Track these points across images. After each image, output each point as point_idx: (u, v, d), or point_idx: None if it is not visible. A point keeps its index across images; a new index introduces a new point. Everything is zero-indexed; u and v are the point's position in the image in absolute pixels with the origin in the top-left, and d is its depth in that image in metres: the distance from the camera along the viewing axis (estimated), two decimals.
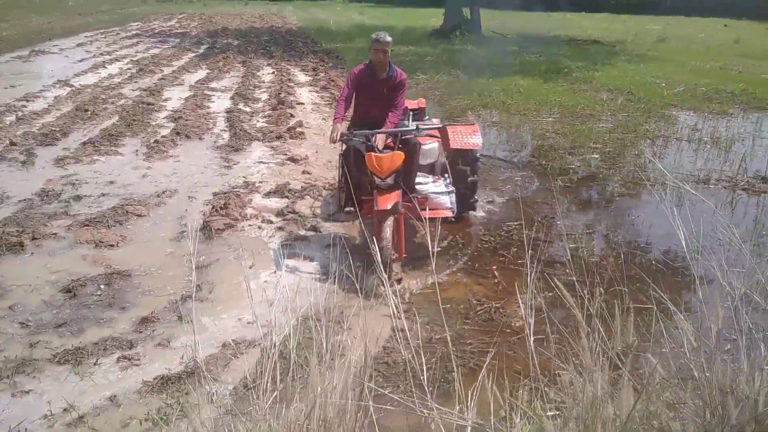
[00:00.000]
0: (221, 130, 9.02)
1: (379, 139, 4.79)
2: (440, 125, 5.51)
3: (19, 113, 9.66)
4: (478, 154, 5.82)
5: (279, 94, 11.61)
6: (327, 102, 11.36)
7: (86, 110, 9.90)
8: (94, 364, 3.57)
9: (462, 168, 5.61)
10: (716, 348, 1.72)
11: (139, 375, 3.47)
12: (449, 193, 5.46)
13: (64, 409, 3.16)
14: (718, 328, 1.71)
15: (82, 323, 4.00)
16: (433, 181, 5.69)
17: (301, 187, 6.57)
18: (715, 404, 1.72)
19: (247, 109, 10.51)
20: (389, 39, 4.92)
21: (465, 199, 5.67)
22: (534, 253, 5.22)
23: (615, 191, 6.99)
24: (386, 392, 1.86)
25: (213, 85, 12.80)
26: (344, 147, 4.97)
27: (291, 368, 1.97)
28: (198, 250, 5.03)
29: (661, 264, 5.03)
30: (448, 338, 2.00)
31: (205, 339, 3.81)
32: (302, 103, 11.11)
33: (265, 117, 9.97)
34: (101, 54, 17.16)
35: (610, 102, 11.94)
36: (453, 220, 5.51)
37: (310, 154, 7.90)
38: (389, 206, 4.43)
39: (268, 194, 6.39)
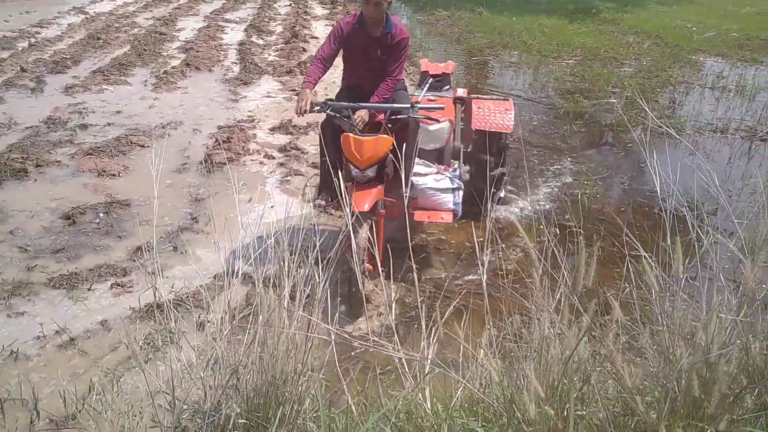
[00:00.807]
0: (232, 63, 8.91)
1: (362, 116, 3.61)
2: (441, 106, 3.84)
3: (32, 39, 9.62)
4: (508, 139, 4.71)
5: (294, 27, 11.36)
6: None
7: (98, 38, 9.82)
8: (88, 290, 3.66)
9: (483, 157, 4.39)
10: (676, 294, 1.69)
11: (131, 301, 3.55)
12: (454, 190, 4.09)
13: (56, 332, 3.26)
14: (680, 274, 1.67)
15: (79, 250, 4.08)
16: (437, 173, 4.19)
17: (306, 123, 6.50)
18: (671, 350, 1.71)
19: (260, 42, 10.33)
20: None
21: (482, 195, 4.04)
22: (534, 196, 5.16)
23: (628, 137, 6.81)
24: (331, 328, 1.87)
25: (228, 16, 12.56)
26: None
27: (259, 300, 1.97)
28: (198, 182, 5.06)
29: (659, 211, 4.94)
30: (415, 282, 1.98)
31: (198, 270, 3.87)
32: (317, 37, 10.87)
33: (277, 50, 9.80)
34: None
35: (635, 45, 11.48)
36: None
37: (319, 89, 7.77)
38: (367, 207, 3.35)
39: (272, 130, 6.34)
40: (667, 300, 1.81)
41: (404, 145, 3.48)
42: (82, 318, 3.42)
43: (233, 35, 10.77)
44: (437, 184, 4.08)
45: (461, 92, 5.15)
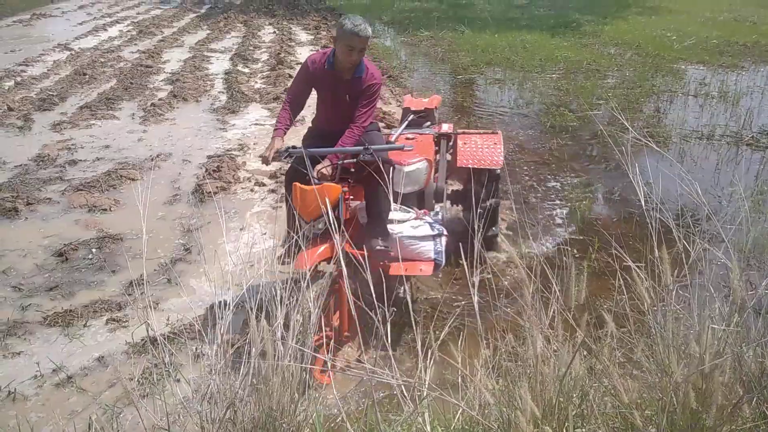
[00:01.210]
0: (219, 92, 8.95)
1: (324, 170, 3.26)
2: (401, 146, 3.38)
3: (18, 78, 9.64)
4: (498, 171, 4.32)
5: (279, 54, 11.45)
6: None
7: (84, 74, 9.86)
8: (84, 326, 3.64)
9: (476, 189, 4.12)
10: (667, 305, 1.70)
11: (126, 336, 3.53)
12: (435, 237, 3.61)
13: (53, 370, 3.24)
14: (669, 285, 1.69)
15: (72, 286, 4.06)
16: (416, 218, 3.74)
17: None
18: (666, 362, 1.72)
19: (246, 70, 10.40)
20: (370, 32, 3.29)
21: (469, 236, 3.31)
22: (533, 211, 5.18)
23: (614, 149, 6.86)
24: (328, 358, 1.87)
25: (213, 46, 12.66)
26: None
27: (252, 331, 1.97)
28: (189, 213, 5.05)
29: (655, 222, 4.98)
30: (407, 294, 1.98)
31: (191, 301, 3.86)
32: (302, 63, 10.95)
33: (263, 78, 9.87)
34: (102, 16, 16.99)
35: (617, 57, 11.66)
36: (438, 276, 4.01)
37: (307, 115, 7.82)
38: (308, 266, 2.82)
39: (262, 157, 6.34)
40: (659, 311, 1.83)
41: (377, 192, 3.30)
42: (78, 355, 3.39)
43: (219, 65, 10.84)
44: (415, 231, 3.61)
45: (446, 128, 4.78)
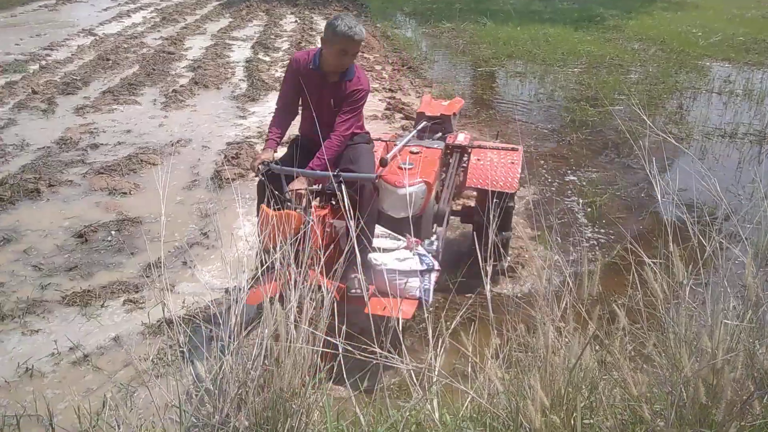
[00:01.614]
0: (239, 80, 9.00)
1: (296, 192, 2.96)
2: (372, 176, 3.05)
3: (43, 62, 9.78)
4: (513, 199, 3.92)
5: (300, 43, 11.48)
6: None
7: (108, 59, 9.97)
8: (101, 307, 3.71)
9: (481, 216, 3.54)
10: (681, 300, 1.69)
11: (143, 317, 3.58)
12: (424, 273, 3.17)
13: (70, 348, 3.30)
14: (682, 280, 1.68)
15: (91, 267, 4.13)
16: (405, 248, 3.27)
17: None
18: (677, 357, 1.71)
19: (267, 59, 10.44)
20: (363, 35, 3.06)
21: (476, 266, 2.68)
22: (550, 205, 5.16)
23: (634, 144, 6.79)
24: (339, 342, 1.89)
25: (234, 34, 12.71)
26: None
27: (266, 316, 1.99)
28: (207, 198, 5.11)
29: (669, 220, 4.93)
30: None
31: (207, 284, 3.90)
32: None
33: (284, 67, 9.87)
34: (126, 2, 17.10)
35: (641, 52, 11.50)
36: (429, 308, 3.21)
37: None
38: (255, 306, 2.70)
39: (281, 144, 6.38)
40: (672, 307, 1.82)
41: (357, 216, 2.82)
42: (95, 334, 3.46)
43: (240, 53, 10.89)
44: (401, 264, 3.14)
45: (462, 138, 4.27)
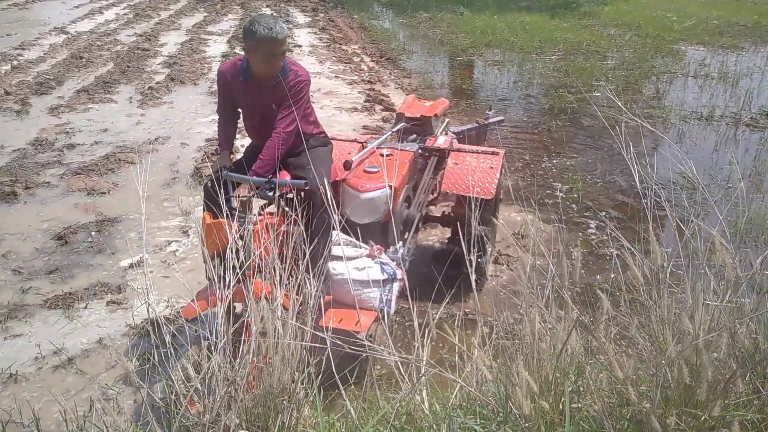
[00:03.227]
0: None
1: (240, 198, 2.88)
2: (301, 182, 2.84)
3: (15, 62, 9.59)
4: (494, 207, 3.83)
5: None
6: (325, 44, 11.13)
7: (81, 57, 9.81)
8: (84, 309, 3.66)
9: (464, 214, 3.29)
10: (662, 283, 1.72)
11: (127, 318, 3.55)
12: (385, 282, 2.95)
13: (54, 352, 3.25)
14: (662, 263, 1.70)
15: (72, 269, 4.08)
16: (368, 256, 3.05)
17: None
18: (660, 339, 1.74)
19: (243, 53, 10.33)
20: (285, 32, 2.83)
21: (455, 271, 2.86)
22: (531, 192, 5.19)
23: (613, 130, 6.85)
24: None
25: (210, 28, 12.57)
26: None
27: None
28: (188, 195, 5.06)
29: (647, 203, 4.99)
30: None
31: (189, 282, 3.87)
32: (300, 45, 10.90)
33: None
34: None
35: (617, 38, 11.59)
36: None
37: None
38: (190, 316, 2.55)
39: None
40: (654, 289, 1.84)
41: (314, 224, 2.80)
42: (78, 337, 3.41)
43: (216, 48, 10.78)
44: (360, 274, 2.92)
45: (443, 141, 4.01)
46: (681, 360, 1.54)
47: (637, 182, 1.85)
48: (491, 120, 4.78)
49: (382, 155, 3.58)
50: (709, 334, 1.56)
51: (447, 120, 4.59)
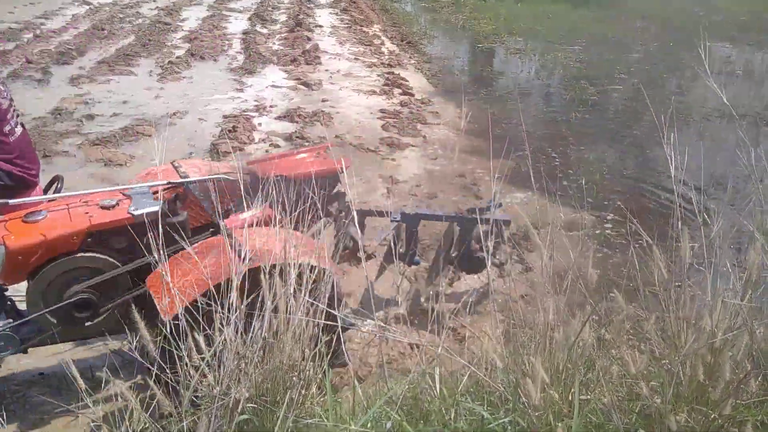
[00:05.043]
0: (236, 52, 8.90)
1: None
2: None
3: (37, 31, 9.63)
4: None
5: (298, 15, 11.32)
6: (347, 25, 11.06)
7: (103, 29, 9.82)
8: None
9: None
10: (683, 280, 1.69)
11: None
12: None
13: None
14: (687, 260, 1.68)
15: None
16: None
17: (312, 112, 6.50)
18: (676, 336, 1.72)
19: (264, 31, 10.30)
20: None
21: None
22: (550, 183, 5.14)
23: (634, 124, 6.77)
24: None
25: (231, 5, 12.53)
26: None
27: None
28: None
29: (666, 199, 4.94)
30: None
31: None
32: (321, 26, 10.84)
33: (281, 39, 9.77)
34: None
35: (642, 31, 11.40)
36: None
37: (324, 78, 7.78)
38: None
39: (278, 118, 6.35)
40: (673, 286, 1.82)
41: None
42: None
43: (237, 24, 10.75)
44: None
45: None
46: (697, 357, 1.53)
47: (673, 174, 1.82)
48: (493, 216, 3.23)
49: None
50: (727, 333, 1.55)
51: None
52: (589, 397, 1.75)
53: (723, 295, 1.61)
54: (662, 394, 1.65)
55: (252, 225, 2.54)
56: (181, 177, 2.65)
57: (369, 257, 3.54)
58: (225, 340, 1.77)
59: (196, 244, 2.32)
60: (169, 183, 2.57)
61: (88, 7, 11.64)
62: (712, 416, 1.61)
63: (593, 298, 1.87)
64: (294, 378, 1.83)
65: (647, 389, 1.66)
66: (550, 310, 1.58)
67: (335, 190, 3.10)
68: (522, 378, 1.56)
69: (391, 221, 3.30)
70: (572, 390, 1.65)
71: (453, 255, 3.23)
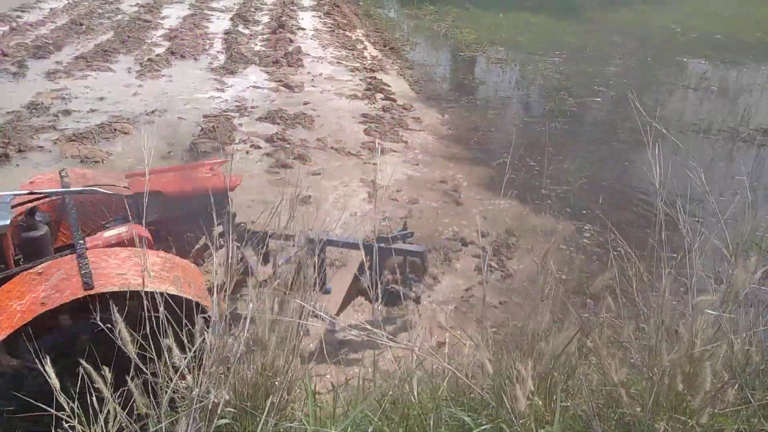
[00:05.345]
0: (217, 52, 8.82)
1: None
2: None
3: (14, 24, 9.45)
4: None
5: (280, 17, 11.28)
6: (329, 29, 11.05)
7: (81, 24, 9.67)
8: None
9: None
10: (662, 290, 1.72)
11: None
12: None
13: None
14: (669, 271, 1.71)
15: None
16: None
17: (294, 114, 6.47)
18: (656, 345, 1.74)
19: (246, 32, 10.24)
20: None
21: None
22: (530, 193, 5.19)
23: (612, 136, 6.88)
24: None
25: (213, 4, 12.43)
26: None
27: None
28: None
29: (644, 209, 5.02)
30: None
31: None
32: (303, 29, 10.81)
33: (263, 41, 9.72)
34: None
35: (620, 45, 11.59)
36: None
37: (306, 81, 7.75)
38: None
39: (259, 119, 6.31)
40: (653, 296, 1.85)
41: None
42: None
43: (219, 24, 10.67)
44: None
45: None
46: (676, 367, 1.55)
47: (657, 185, 1.84)
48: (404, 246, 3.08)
49: None
50: (707, 344, 1.57)
51: None
52: (569, 404, 1.76)
53: (702, 306, 1.63)
54: (642, 402, 1.67)
55: (115, 244, 2.30)
56: (63, 188, 2.46)
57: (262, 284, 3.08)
58: (207, 343, 1.74)
59: (44, 264, 2.11)
60: (31, 194, 2.36)
61: (66, 2, 11.45)
62: (690, 424, 1.64)
63: (574, 306, 1.89)
64: (276, 382, 1.81)
65: (627, 397, 1.68)
66: (540, 318, 1.59)
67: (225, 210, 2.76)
68: (509, 385, 1.57)
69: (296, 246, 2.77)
70: (554, 397, 1.66)
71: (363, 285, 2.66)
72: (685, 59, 10.79)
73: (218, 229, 2.62)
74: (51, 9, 10.74)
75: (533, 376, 1.45)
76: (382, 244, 2.66)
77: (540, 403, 1.49)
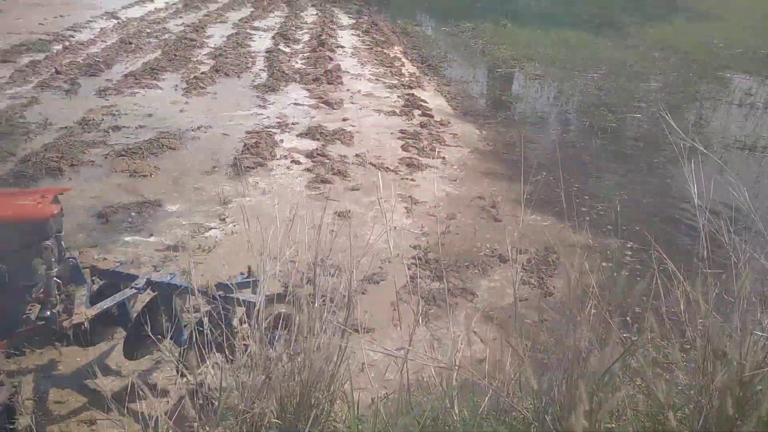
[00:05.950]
0: (260, 70, 9.03)
1: None
2: None
3: (66, 43, 9.85)
4: None
5: (320, 35, 11.49)
6: (368, 46, 11.20)
7: (130, 43, 10.02)
8: None
9: None
10: (711, 310, 1.70)
11: None
12: None
13: None
14: (716, 290, 1.69)
15: (110, 246, 4.17)
16: None
17: (333, 130, 6.57)
18: (705, 367, 1.72)
19: (287, 50, 10.46)
20: None
21: None
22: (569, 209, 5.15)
23: (653, 153, 6.77)
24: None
25: (256, 24, 12.74)
26: None
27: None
28: (226, 185, 5.14)
29: (687, 228, 4.92)
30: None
31: (227, 268, 3.93)
32: (342, 47, 10.99)
33: (304, 59, 9.91)
34: None
35: (661, 61, 11.44)
36: None
37: (345, 98, 7.87)
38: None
39: (300, 135, 6.43)
40: (699, 316, 1.83)
41: None
42: None
43: (261, 43, 10.92)
44: None
45: None
46: (726, 390, 1.53)
47: (696, 203, 1.84)
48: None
49: None
50: (758, 367, 1.55)
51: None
52: (613, 425, 1.75)
53: (752, 328, 1.61)
54: (690, 425, 1.65)
55: None
56: None
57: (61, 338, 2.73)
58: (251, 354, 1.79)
59: None
60: None
61: (115, 21, 11.89)
62: None
63: (618, 325, 1.88)
64: (319, 395, 1.85)
65: (675, 420, 1.66)
66: (583, 338, 1.59)
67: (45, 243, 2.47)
68: (554, 405, 1.57)
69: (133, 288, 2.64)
70: (598, 418, 1.66)
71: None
72: (728, 75, 10.58)
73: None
74: (101, 28, 11.17)
75: (578, 396, 1.45)
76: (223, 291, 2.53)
77: (585, 424, 1.49)
